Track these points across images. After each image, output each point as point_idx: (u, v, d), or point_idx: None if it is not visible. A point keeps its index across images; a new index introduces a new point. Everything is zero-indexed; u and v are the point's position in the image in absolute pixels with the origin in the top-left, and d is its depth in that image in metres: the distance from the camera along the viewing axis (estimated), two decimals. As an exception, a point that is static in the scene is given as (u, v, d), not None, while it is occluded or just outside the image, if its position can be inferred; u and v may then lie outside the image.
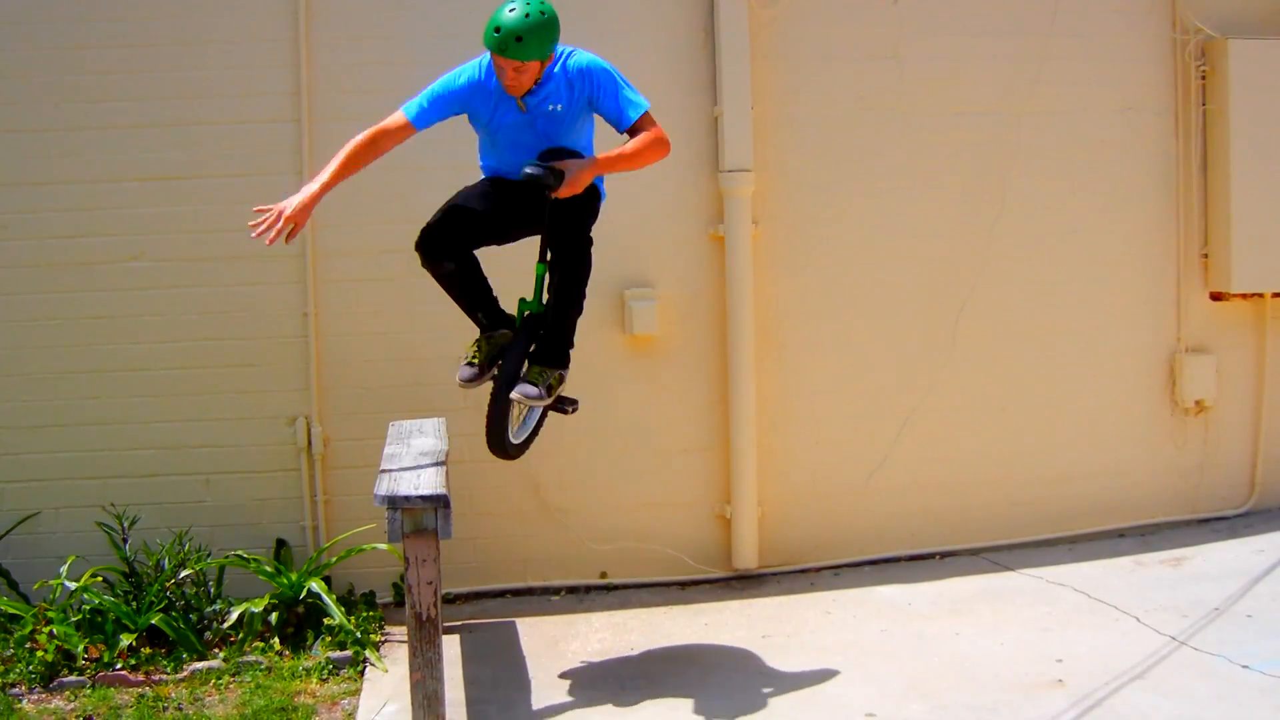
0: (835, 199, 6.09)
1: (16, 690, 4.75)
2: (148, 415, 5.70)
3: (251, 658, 4.98)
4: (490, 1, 5.73)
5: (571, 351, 4.62)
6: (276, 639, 5.11)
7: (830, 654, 5.00)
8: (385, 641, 5.29)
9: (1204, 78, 6.36)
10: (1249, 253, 6.33)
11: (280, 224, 4.16)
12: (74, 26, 5.61)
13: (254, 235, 4.19)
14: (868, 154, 6.11)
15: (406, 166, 5.62)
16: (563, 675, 4.91)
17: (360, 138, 4.35)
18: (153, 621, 5.02)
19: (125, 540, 5.36)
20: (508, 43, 4.18)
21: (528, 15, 4.18)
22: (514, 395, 4.46)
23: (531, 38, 4.19)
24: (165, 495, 5.69)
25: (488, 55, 4.36)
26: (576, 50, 4.43)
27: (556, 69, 4.38)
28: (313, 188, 4.25)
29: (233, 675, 4.87)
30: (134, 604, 5.14)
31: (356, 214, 5.63)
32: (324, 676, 4.88)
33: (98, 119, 5.62)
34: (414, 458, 4.66)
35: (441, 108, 4.43)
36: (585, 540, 6.00)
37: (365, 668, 4.96)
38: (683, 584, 6.06)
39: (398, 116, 4.40)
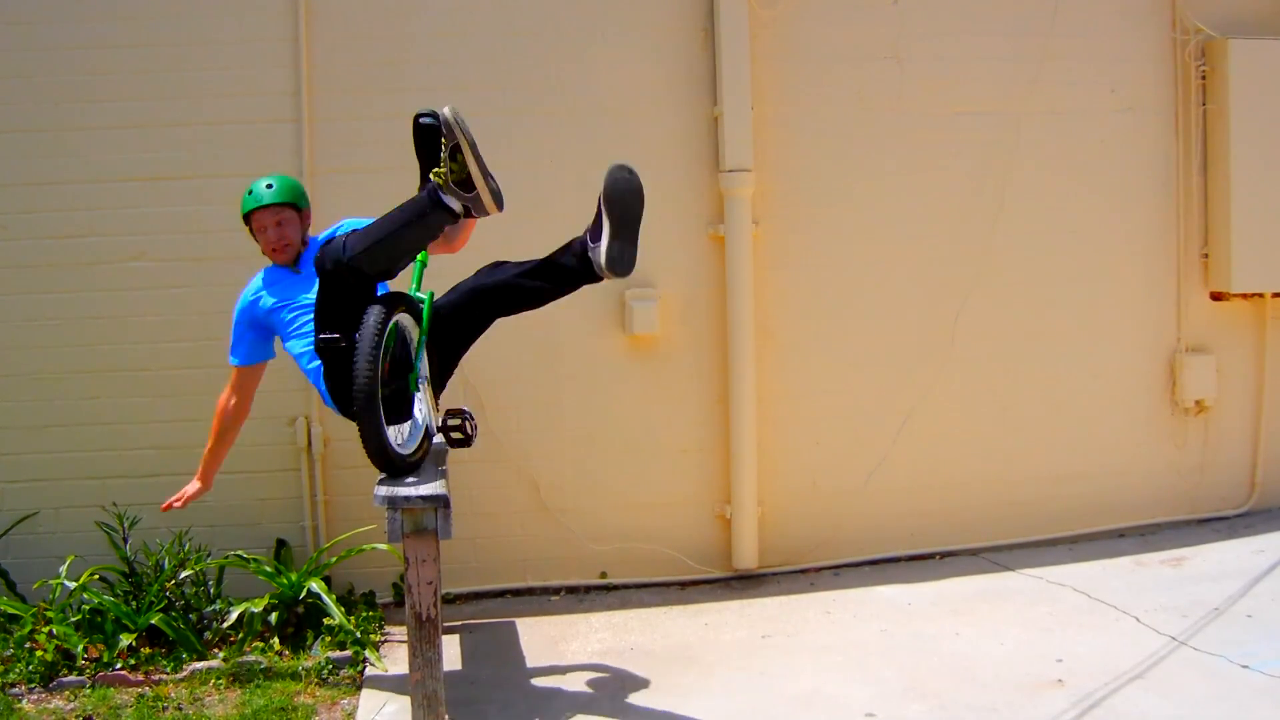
0: (835, 199, 6.10)
1: (16, 690, 4.75)
2: (148, 415, 5.70)
3: (251, 658, 4.98)
4: (491, 2, 5.80)
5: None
6: (276, 639, 5.11)
7: (830, 654, 5.00)
8: (385, 641, 5.29)
9: (1204, 78, 6.36)
10: (1249, 253, 6.33)
11: (181, 502, 4.91)
12: (74, 27, 5.61)
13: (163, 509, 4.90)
14: (868, 154, 6.11)
15: (407, 167, 5.62)
16: (563, 675, 4.91)
17: (219, 403, 4.88)
18: (152, 621, 5.02)
19: (125, 540, 5.36)
20: (260, 191, 4.70)
21: (270, 182, 4.73)
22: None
23: (280, 183, 4.74)
24: (165, 495, 5.64)
25: (256, 277, 4.81)
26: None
27: (321, 235, 4.75)
28: (198, 480, 4.96)
29: (232, 675, 4.87)
30: (134, 604, 5.14)
31: (356, 215, 5.61)
32: (324, 676, 4.87)
33: (98, 119, 5.63)
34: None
35: (246, 334, 4.83)
36: (585, 540, 6.00)
37: (365, 668, 4.96)
38: (683, 584, 6.06)
39: (232, 371, 4.87)
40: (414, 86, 5.61)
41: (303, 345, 4.67)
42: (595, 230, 4.23)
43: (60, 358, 5.68)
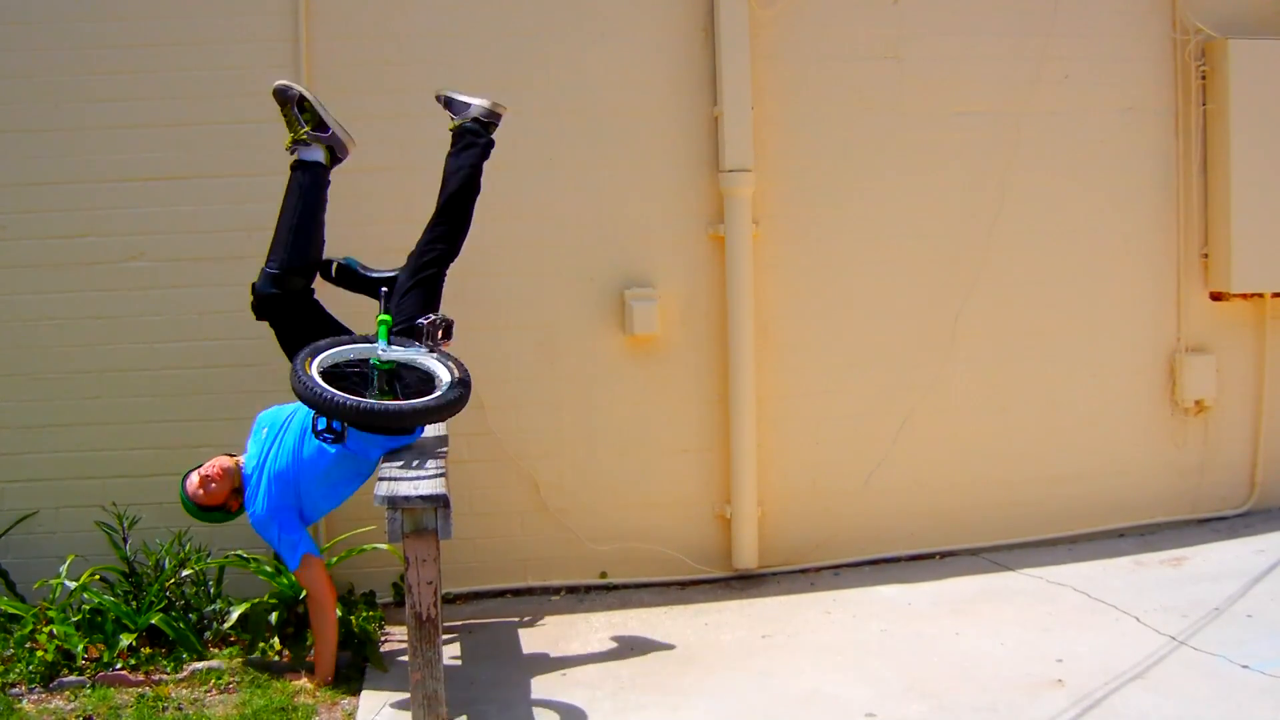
0: (835, 199, 6.09)
1: (16, 690, 4.75)
2: (148, 415, 5.70)
3: (251, 657, 4.98)
4: (490, 2, 5.80)
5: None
6: (276, 639, 5.10)
7: (830, 654, 5.00)
8: (385, 641, 5.30)
9: (1204, 78, 6.36)
10: (1249, 253, 6.33)
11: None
12: (74, 27, 5.61)
13: None
14: (868, 154, 6.11)
15: (409, 166, 5.64)
16: (563, 675, 4.91)
17: (328, 603, 4.80)
18: (153, 621, 5.02)
19: (125, 540, 5.36)
20: (182, 486, 4.91)
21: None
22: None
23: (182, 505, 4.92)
24: (165, 495, 5.67)
25: (254, 505, 4.83)
26: None
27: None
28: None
29: (233, 675, 4.87)
30: (134, 604, 5.14)
31: (357, 214, 5.61)
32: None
33: (98, 119, 5.62)
34: (414, 457, 4.66)
35: (298, 518, 4.82)
36: (585, 540, 6.00)
37: (365, 667, 4.96)
38: (683, 584, 6.06)
39: (315, 562, 4.78)
40: (413, 86, 5.61)
41: (341, 474, 4.83)
42: (459, 108, 5.09)
43: (60, 358, 5.68)
